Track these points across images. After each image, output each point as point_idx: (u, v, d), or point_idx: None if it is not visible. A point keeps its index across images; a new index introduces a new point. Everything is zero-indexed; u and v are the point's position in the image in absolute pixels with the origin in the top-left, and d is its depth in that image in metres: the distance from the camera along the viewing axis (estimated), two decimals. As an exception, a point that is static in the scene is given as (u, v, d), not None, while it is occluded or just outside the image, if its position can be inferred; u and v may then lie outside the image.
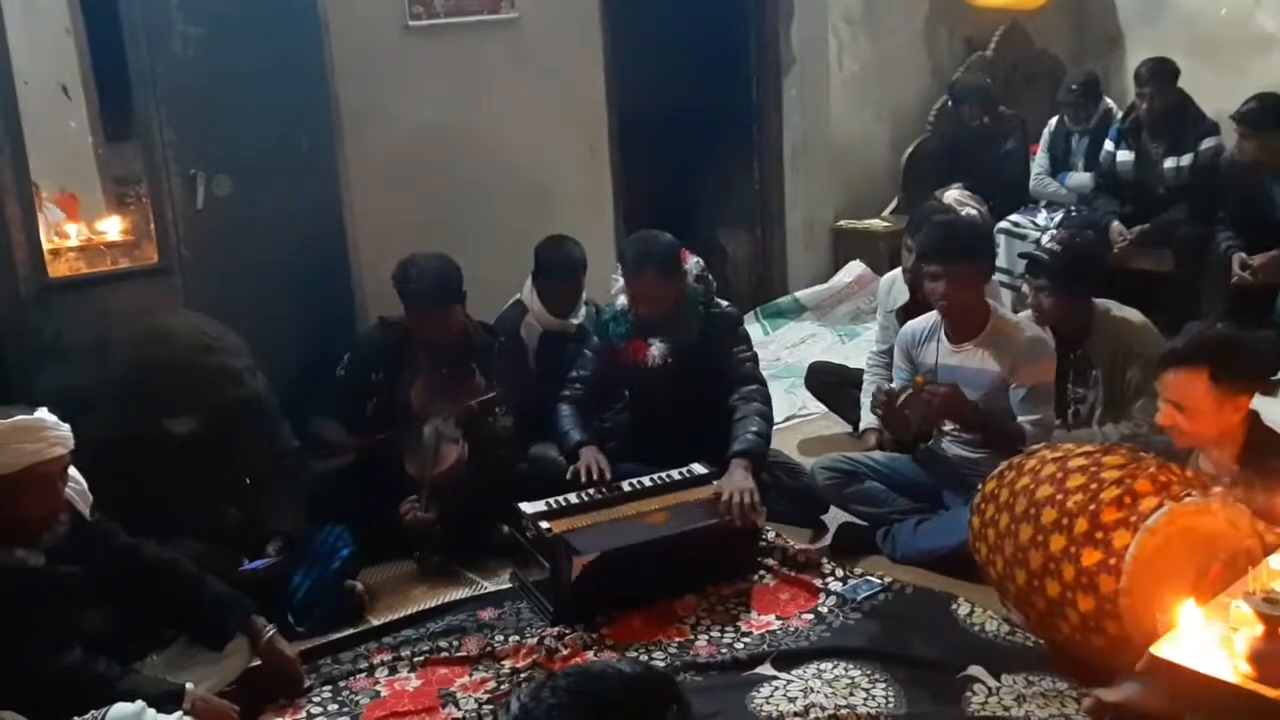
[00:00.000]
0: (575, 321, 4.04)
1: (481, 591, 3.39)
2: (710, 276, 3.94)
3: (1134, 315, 3.64)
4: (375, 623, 3.22)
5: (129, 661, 2.66)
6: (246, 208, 3.91)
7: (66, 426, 2.58)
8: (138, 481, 3.00)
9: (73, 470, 2.65)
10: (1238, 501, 2.52)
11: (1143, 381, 3.42)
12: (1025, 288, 3.90)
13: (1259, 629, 1.80)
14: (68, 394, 2.85)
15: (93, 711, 2.40)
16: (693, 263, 3.84)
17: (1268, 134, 4.58)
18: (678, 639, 3.08)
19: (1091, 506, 2.61)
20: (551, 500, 3.36)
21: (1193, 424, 2.68)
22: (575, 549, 3.14)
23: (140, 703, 2.45)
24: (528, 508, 3.33)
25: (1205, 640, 1.91)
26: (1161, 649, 1.89)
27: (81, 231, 3.85)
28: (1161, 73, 5.08)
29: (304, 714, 2.82)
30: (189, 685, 2.59)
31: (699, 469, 3.53)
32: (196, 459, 3.11)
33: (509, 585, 3.41)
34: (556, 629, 3.12)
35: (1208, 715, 1.92)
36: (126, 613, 2.75)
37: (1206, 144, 5.01)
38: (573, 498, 3.38)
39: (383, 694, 2.89)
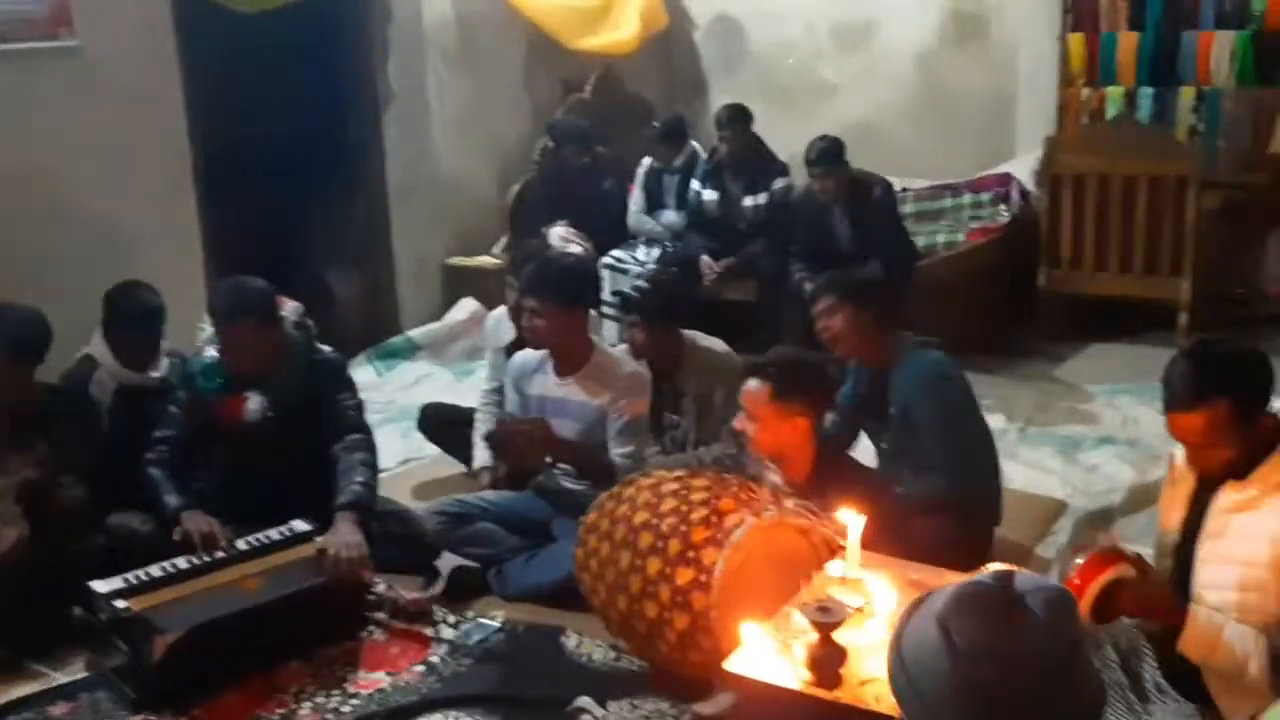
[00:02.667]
0: (156, 375, 3.71)
1: (53, 684, 3.02)
2: (310, 323, 3.77)
3: (718, 344, 3.88)
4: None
5: None
6: None
7: None
8: None
9: None
10: (808, 515, 2.72)
11: (729, 406, 3.65)
12: (624, 323, 4.07)
13: (814, 636, 1.94)
14: None
15: None
16: (290, 308, 3.65)
17: (829, 169, 5.07)
18: (279, 710, 2.89)
19: (682, 528, 2.72)
20: (130, 575, 3.05)
21: (760, 434, 2.90)
22: (157, 627, 2.87)
23: None
24: (102, 586, 3.00)
25: (769, 651, 2.03)
26: (730, 662, 1.99)
27: None
28: (737, 117, 5.51)
29: None
30: None
31: (301, 526, 3.34)
32: None
33: (85, 674, 3.05)
34: (139, 717, 2.83)
35: (780, 720, 2.04)
36: None
37: (779, 183, 5.48)
38: (155, 570, 3.08)
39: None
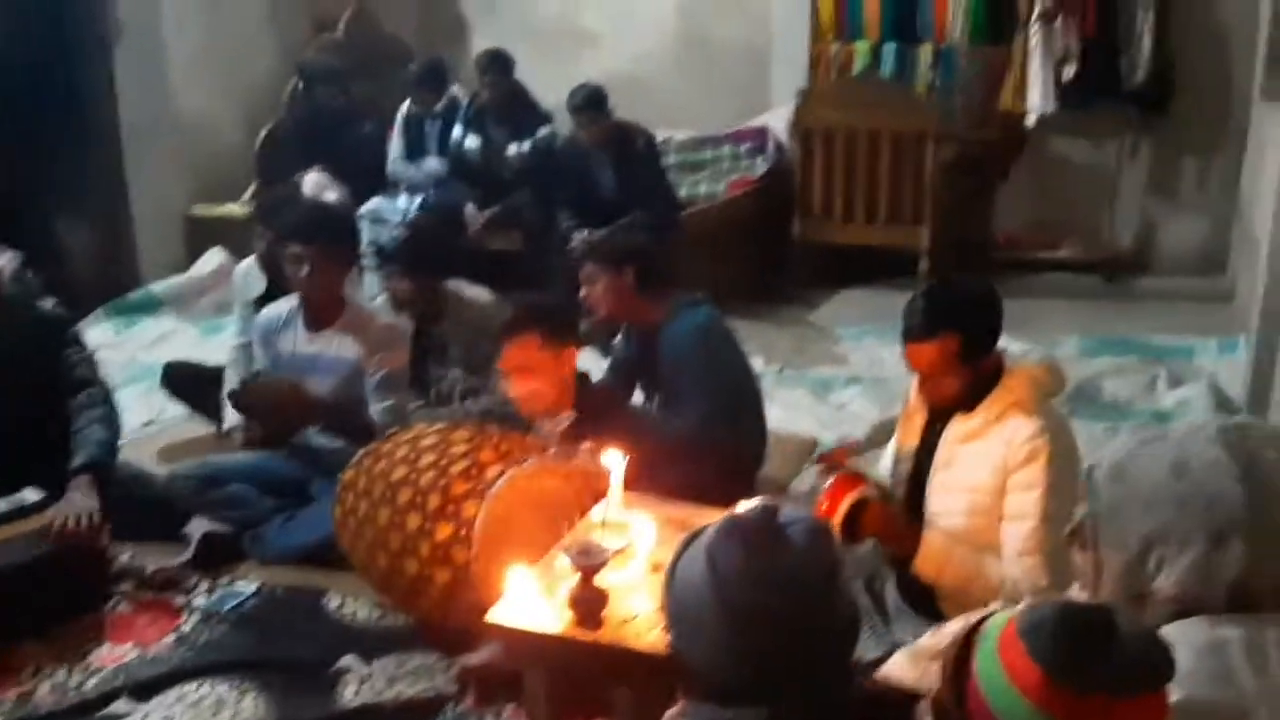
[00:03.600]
0: None
1: None
2: (30, 275, 3.46)
3: (482, 294, 3.83)
4: None
5: None
6: None
7: None
8: None
9: None
10: (572, 460, 2.74)
11: (494, 356, 3.61)
12: (383, 273, 3.94)
13: (575, 579, 1.96)
14: None
15: None
16: (6, 259, 3.33)
17: (592, 117, 5.07)
18: (15, 692, 2.69)
19: (442, 482, 2.68)
20: None
21: (519, 385, 2.88)
22: None
23: None
24: None
25: (532, 597, 2.03)
26: (494, 612, 1.98)
27: None
28: (498, 63, 5.41)
29: None
30: None
31: (31, 495, 3.08)
32: None
33: None
34: None
35: (545, 665, 2.05)
36: None
37: (542, 131, 5.43)
38: None
39: None
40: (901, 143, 5.48)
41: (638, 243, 3.62)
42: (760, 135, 5.96)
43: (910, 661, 1.80)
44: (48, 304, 3.37)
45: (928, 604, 2.44)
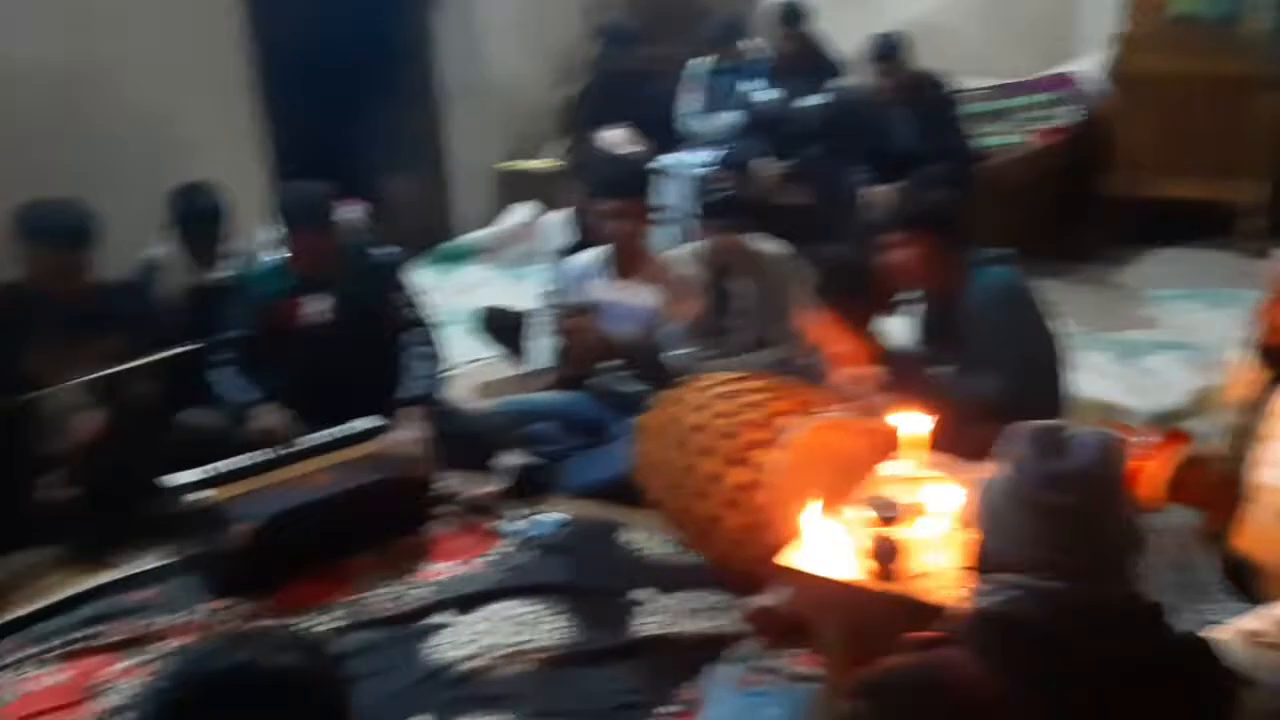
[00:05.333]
0: (221, 275, 3.79)
1: (133, 572, 3.16)
2: (371, 224, 3.80)
3: (775, 248, 3.86)
4: (9, 617, 2.93)
5: None
6: None
7: None
8: None
9: None
10: (867, 415, 2.75)
11: (785, 309, 3.65)
12: (682, 226, 4.06)
13: (872, 531, 1.98)
14: None
15: None
16: (352, 211, 3.68)
17: (890, 68, 4.97)
18: (348, 598, 3.00)
19: (737, 428, 2.77)
20: (204, 469, 3.16)
21: (840, 344, 2.90)
22: (232, 518, 2.98)
23: None
24: (178, 478, 3.12)
25: (826, 544, 2.07)
26: (785, 557, 2.04)
27: None
28: (793, 16, 5.40)
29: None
30: None
31: (363, 424, 3.43)
32: None
33: (161, 563, 3.18)
34: (220, 603, 2.96)
35: (836, 612, 2.10)
36: None
37: (837, 84, 5.38)
38: (225, 465, 3.19)
39: (12, 697, 2.64)
40: (1229, 88, 5.04)
41: (944, 204, 3.50)
42: (1065, 83, 5.63)
43: (1242, 642, 1.71)
44: (381, 251, 3.69)
45: (1244, 582, 2.29)
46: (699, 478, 2.76)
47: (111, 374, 3.30)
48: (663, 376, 3.30)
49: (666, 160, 5.51)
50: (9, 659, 2.76)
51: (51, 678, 2.71)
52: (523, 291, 5.14)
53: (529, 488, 3.50)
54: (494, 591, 2.98)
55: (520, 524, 3.33)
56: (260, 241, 3.62)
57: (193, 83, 4.48)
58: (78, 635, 2.85)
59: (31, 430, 3.22)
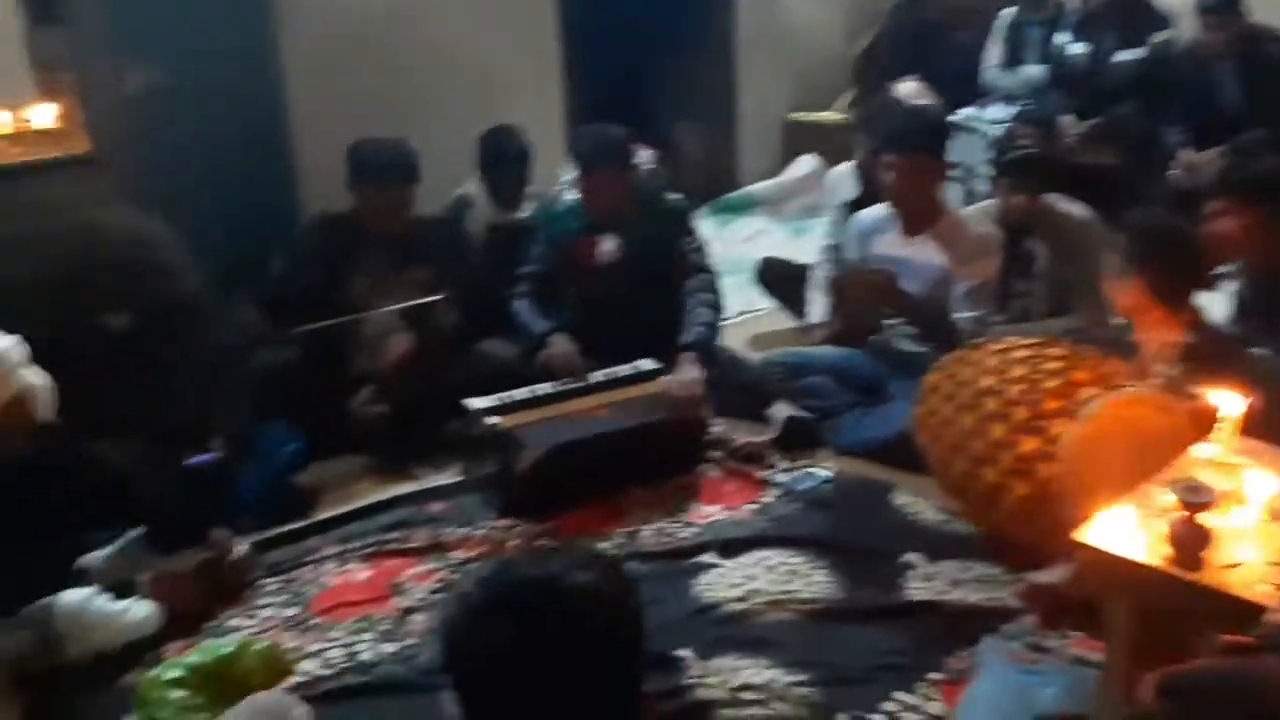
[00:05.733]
0: (522, 215, 3.99)
1: (430, 486, 3.40)
2: (663, 170, 3.88)
3: (1079, 210, 3.65)
4: (322, 516, 3.24)
5: (76, 563, 2.67)
6: (180, 96, 3.77)
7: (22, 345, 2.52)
8: (75, 379, 2.95)
9: (39, 372, 2.60)
10: (1175, 393, 2.57)
11: (1087, 276, 3.45)
12: (976, 183, 3.91)
13: (1179, 515, 1.86)
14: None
15: (41, 601, 2.42)
16: (645, 156, 3.77)
17: (1223, 19, 4.56)
18: (624, 529, 3.12)
19: (1032, 396, 2.66)
20: (498, 396, 3.36)
21: (1152, 316, 2.72)
22: (523, 443, 3.16)
23: (89, 589, 2.47)
24: (475, 403, 3.33)
25: (1128, 525, 1.96)
26: (1085, 534, 1.94)
27: (8, 119, 3.70)
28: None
29: (253, 605, 2.83)
30: (149, 573, 2.62)
31: (646, 364, 3.54)
32: (134, 356, 3.06)
33: (456, 479, 3.42)
34: (505, 521, 3.15)
35: (1129, 597, 1.98)
36: (73, 517, 2.74)
37: (1159, 36, 4.98)
38: (518, 394, 3.38)
39: (331, 585, 2.92)
40: None
41: (1273, 172, 3.21)
42: None
43: None
44: (673, 197, 3.76)
45: None
46: (987, 443, 2.68)
47: (423, 303, 3.55)
48: (949, 338, 3.21)
49: (963, 114, 5.31)
50: (323, 553, 3.05)
51: (358, 574, 2.97)
52: (803, 245, 5.12)
53: (798, 440, 3.51)
54: (757, 539, 3.01)
55: (787, 476, 3.34)
56: (560, 182, 3.78)
57: (506, 31, 4.70)
58: (381, 538, 3.10)
59: (351, 351, 3.52)
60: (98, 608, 2.52)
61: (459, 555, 3.02)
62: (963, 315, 3.33)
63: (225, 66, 3.82)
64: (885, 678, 2.44)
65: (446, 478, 3.43)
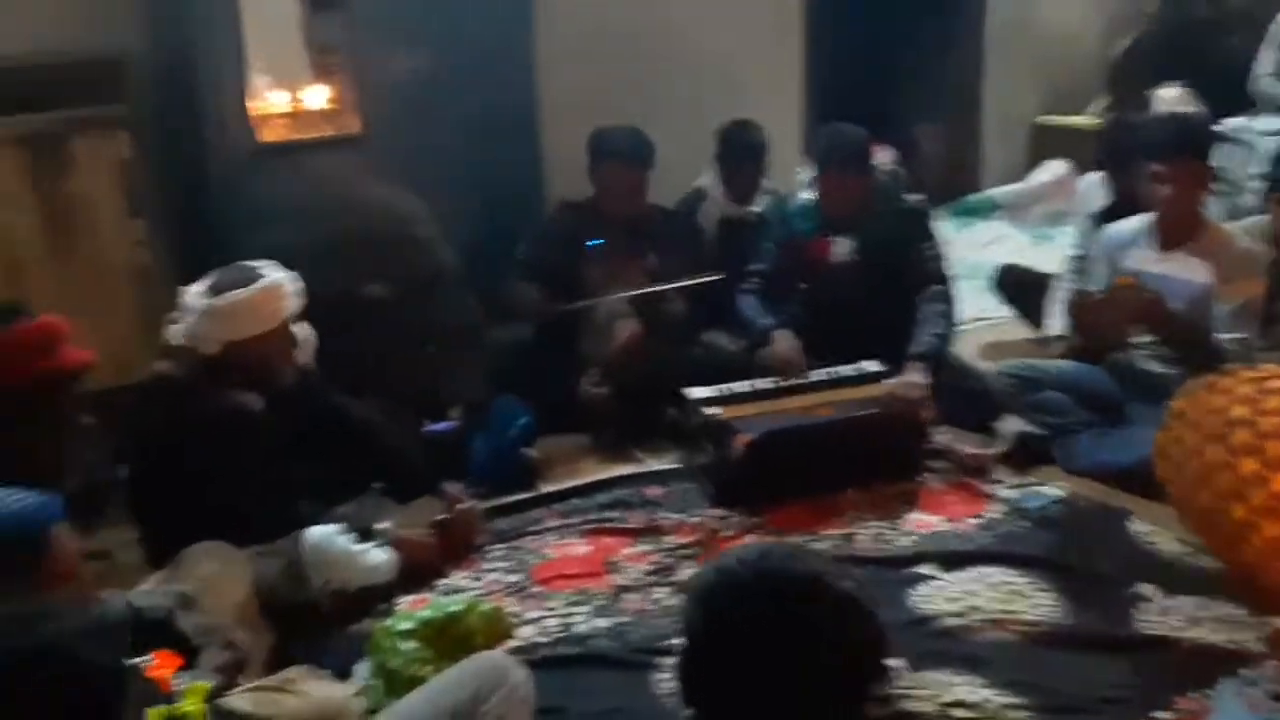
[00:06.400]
0: (755, 210, 4.01)
1: (649, 469, 3.48)
2: (902, 171, 3.82)
3: (1361, 231, 3.36)
4: (547, 490, 3.36)
5: (327, 505, 2.88)
6: (441, 82, 3.97)
7: (299, 281, 2.76)
8: (334, 342, 3.18)
9: (304, 325, 2.84)
10: None
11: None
12: (1242, 198, 3.65)
13: None
14: (273, 257, 2.98)
15: (294, 533, 2.63)
16: (885, 156, 3.72)
17: None
18: (838, 530, 3.09)
19: (1291, 431, 2.47)
20: (719, 387, 3.39)
21: None
22: (737, 431, 3.18)
23: (334, 526, 2.67)
24: (695, 393, 3.37)
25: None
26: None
27: (286, 99, 3.99)
28: None
29: (479, 568, 2.98)
30: (388, 524, 2.80)
31: (871, 366, 3.50)
32: (387, 324, 3.28)
33: (674, 466, 3.47)
34: (719, 511, 3.19)
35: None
36: (326, 461, 2.96)
37: None
38: (740, 387, 3.41)
39: (551, 556, 3.03)
40: None
41: None
42: None
43: None
44: (913, 198, 3.70)
45: None
46: (1236, 478, 2.51)
47: (653, 291, 3.63)
48: (1209, 362, 3.00)
49: (1230, 124, 4.95)
50: (545, 525, 3.17)
51: (576, 548, 3.07)
52: (1045, 253, 4.93)
53: (1028, 456, 3.38)
54: (979, 554, 2.93)
55: (1014, 492, 3.23)
56: (795, 180, 3.77)
57: (750, 26, 4.72)
58: (601, 516, 3.20)
59: (581, 333, 3.64)
60: (341, 545, 2.71)
61: (673, 540, 3.07)
62: (1224, 337, 3.11)
63: (484, 55, 3.99)
64: (1108, 710, 2.34)
65: (665, 463, 3.49)
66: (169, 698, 1.54)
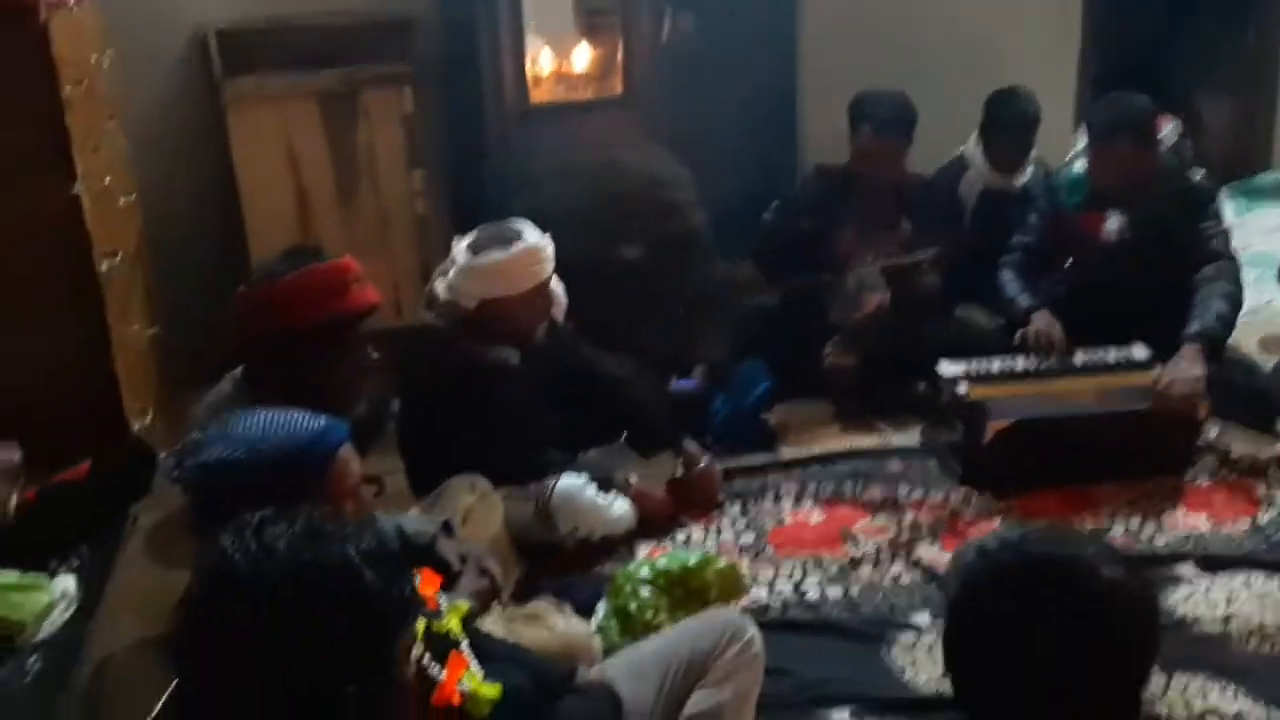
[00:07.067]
0: (1020, 182, 3.84)
1: (890, 444, 3.42)
2: (1187, 144, 3.57)
3: None
4: (786, 455, 3.37)
5: (574, 454, 3.01)
6: (705, 46, 4.00)
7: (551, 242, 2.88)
8: (587, 299, 3.29)
9: (555, 283, 2.96)
10: None
11: None
12: None
13: None
14: (536, 215, 3.08)
15: (545, 479, 2.77)
16: (1169, 129, 3.49)
17: None
18: (1090, 523, 2.96)
19: None
20: (972, 364, 3.29)
21: None
22: (991, 413, 3.08)
23: (585, 476, 2.79)
24: (947, 368, 3.29)
25: None
26: None
27: (555, 61, 4.13)
28: None
29: (715, 525, 3.04)
30: (631, 476, 2.90)
31: (1139, 352, 3.29)
32: (639, 284, 3.36)
33: (918, 443, 3.40)
34: (962, 491, 3.11)
35: None
36: (575, 413, 3.08)
37: None
38: (995, 365, 3.28)
39: (786, 521, 3.05)
40: None
41: None
42: None
43: None
44: (1197, 175, 3.44)
45: None
46: None
47: (906, 261, 3.56)
48: None
49: None
50: (783, 489, 3.19)
51: (812, 515, 3.08)
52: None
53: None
54: (1245, 560, 2.75)
55: (1294, 497, 2.99)
56: (1068, 151, 3.58)
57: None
58: (839, 485, 3.19)
59: (829, 300, 3.61)
60: (589, 496, 2.84)
61: (911, 516, 3.03)
62: None
63: (749, 20, 3.99)
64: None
65: (907, 438, 3.43)
66: (435, 614, 1.65)
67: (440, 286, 2.87)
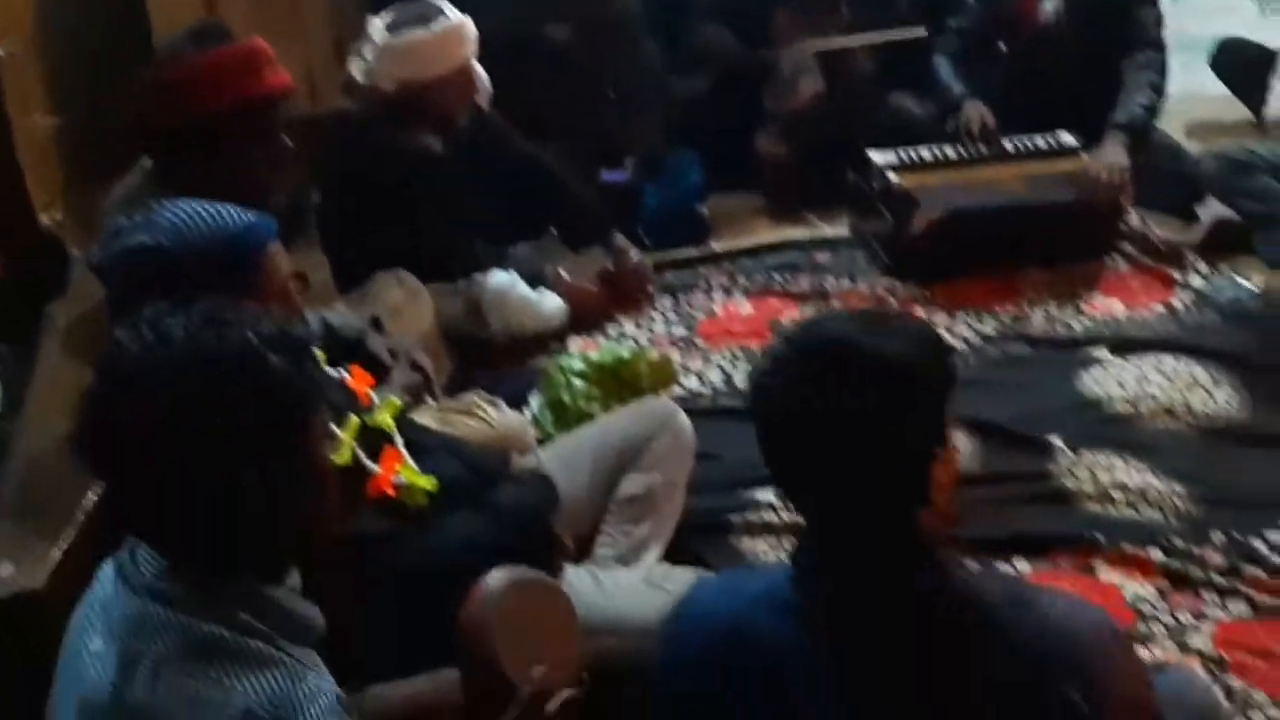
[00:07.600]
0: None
1: (820, 235, 3.43)
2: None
3: None
4: (717, 248, 3.37)
5: (501, 247, 2.96)
6: None
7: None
8: (512, 83, 3.17)
9: (477, 66, 2.84)
10: None
11: None
12: None
13: None
14: None
15: (474, 275, 2.73)
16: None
17: None
18: (1011, 309, 3.02)
19: None
20: (903, 152, 3.27)
21: None
22: (920, 203, 3.09)
23: (513, 273, 2.77)
24: (878, 157, 3.26)
25: None
26: None
27: None
28: None
29: (647, 318, 3.05)
30: (559, 269, 2.88)
31: (1067, 138, 3.30)
32: (568, 67, 3.24)
33: (845, 232, 3.41)
34: (887, 280, 3.14)
35: None
36: (502, 204, 3.02)
37: None
38: (925, 152, 3.27)
39: (717, 313, 3.08)
40: None
41: None
42: None
43: None
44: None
45: None
46: None
47: (841, 46, 3.46)
48: None
49: None
50: (713, 281, 3.19)
51: (742, 307, 3.10)
52: (1270, 26, 4.46)
53: (1226, 245, 3.18)
54: (1158, 342, 2.83)
55: (1205, 282, 3.07)
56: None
57: None
58: (768, 277, 3.21)
59: (762, 86, 3.52)
60: (520, 293, 2.83)
61: (838, 307, 3.06)
62: None
63: None
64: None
65: (837, 229, 3.44)
66: (367, 409, 1.65)
67: (357, 69, 2.74)
